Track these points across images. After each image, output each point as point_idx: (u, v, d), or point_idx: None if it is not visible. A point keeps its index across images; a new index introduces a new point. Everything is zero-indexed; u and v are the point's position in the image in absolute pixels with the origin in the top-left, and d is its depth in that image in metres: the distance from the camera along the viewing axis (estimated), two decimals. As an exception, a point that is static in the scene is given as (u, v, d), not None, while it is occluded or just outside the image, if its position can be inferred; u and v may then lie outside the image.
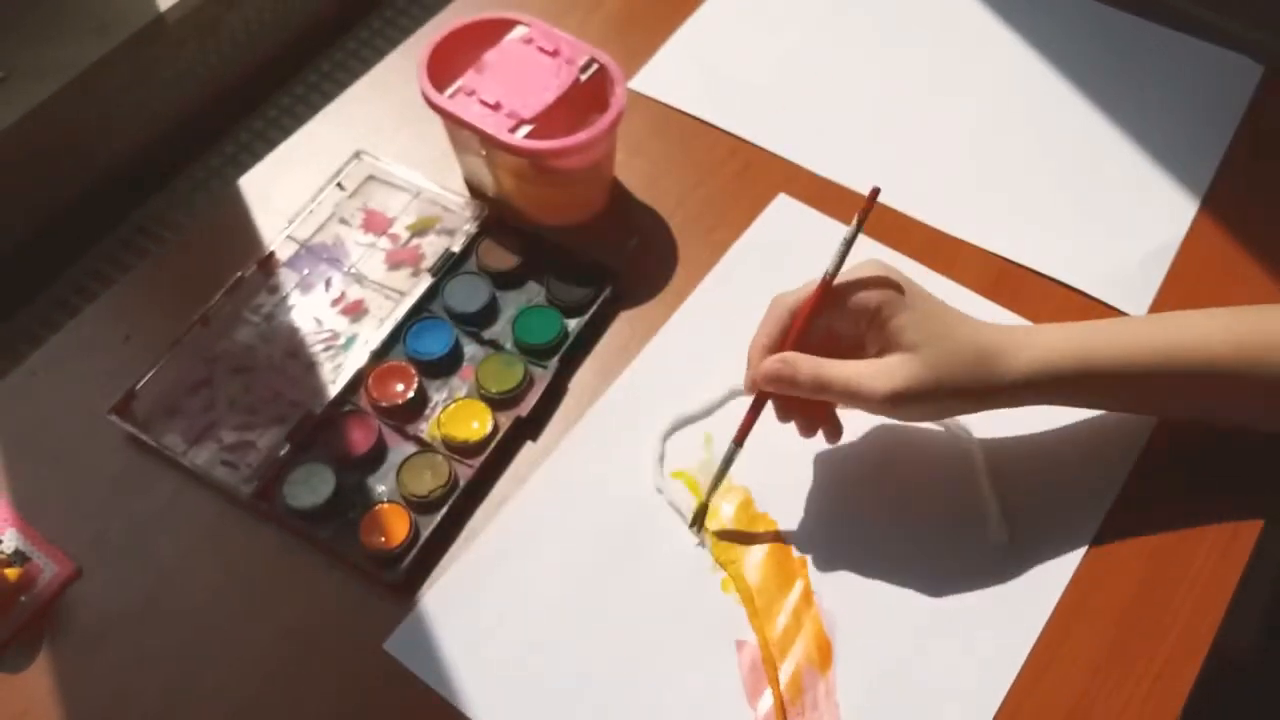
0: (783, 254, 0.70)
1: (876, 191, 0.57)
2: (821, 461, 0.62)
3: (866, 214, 0.57)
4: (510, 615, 0.58)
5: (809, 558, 0.59)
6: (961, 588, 0.58)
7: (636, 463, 0.62)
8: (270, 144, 0.79)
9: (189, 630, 0.58)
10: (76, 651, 0.58)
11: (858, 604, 0.57)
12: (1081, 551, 0.58)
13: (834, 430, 0.59)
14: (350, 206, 0.73)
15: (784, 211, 0.72)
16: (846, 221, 0.58)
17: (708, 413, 0.63)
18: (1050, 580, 0.58)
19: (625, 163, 0.74)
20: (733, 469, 0.59)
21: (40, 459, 0.63)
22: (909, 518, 0.60)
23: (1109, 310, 0.67)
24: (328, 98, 0.81)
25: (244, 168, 0.77)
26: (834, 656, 0.56)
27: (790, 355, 0.56)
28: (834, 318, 0.57)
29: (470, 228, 0.71)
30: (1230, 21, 0.81)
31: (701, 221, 0.72)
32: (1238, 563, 0.58)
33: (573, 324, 0.67)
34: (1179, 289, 0.68)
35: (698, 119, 0.77)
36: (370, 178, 0.74)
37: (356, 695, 0.56)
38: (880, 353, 0.56)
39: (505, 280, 0.69)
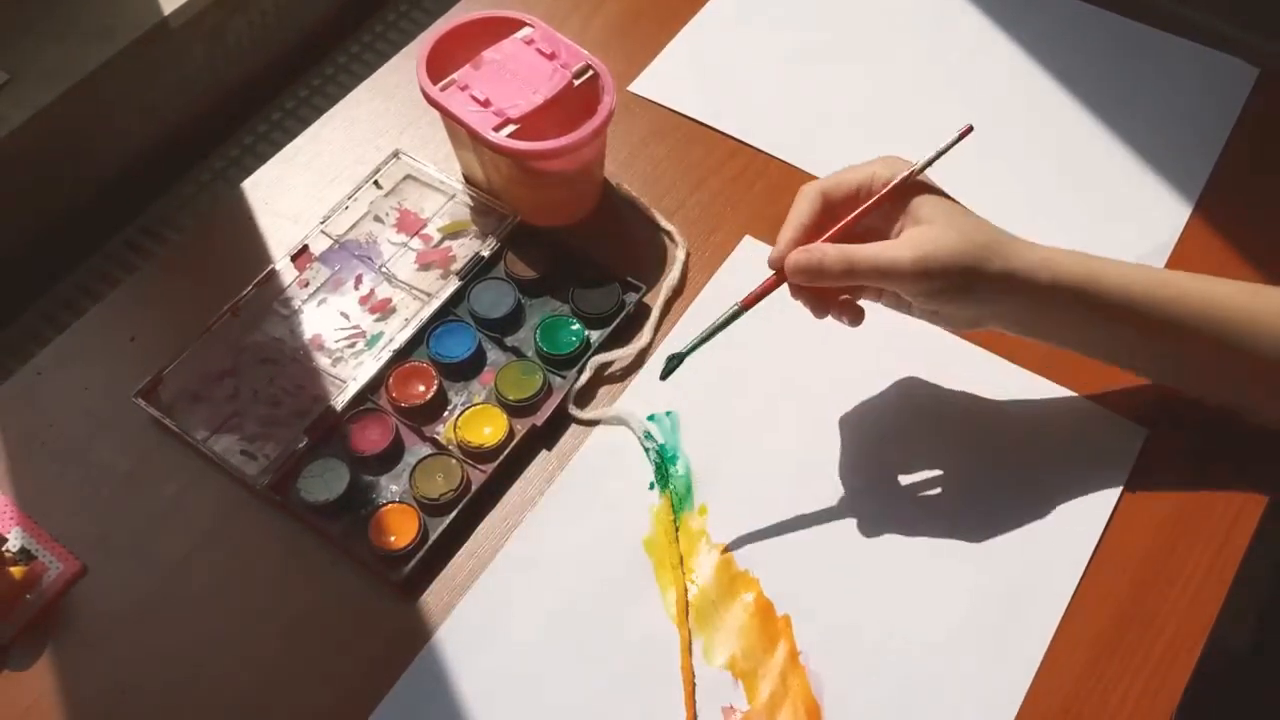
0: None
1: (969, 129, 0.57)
2: (802, 518, 0.61)
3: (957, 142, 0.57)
4: (492, 685, 0.56)
5: (792, 616, 0.57)
6: (950, 642, 0.56)
7: (617, 518, 0.61)
8: (274, 146, 0.80)
9: (193, 625, 0.59)
10: (81, 648, 0.58)
11: (845, 664, 0.56)
12: (1068, 597, 0.58)
13: (853, 313, 0.59)
14: (385, 205, 0.73)
15: (750, 254, 0.71)
16: None
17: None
18: (1040, 620, 0.57)
19: (626, 165, 0.75)
20: (712, 529, 0.60)
21: (46, 458, 0.64)
22: (893, 573, 0.59)
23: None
24: (331, 100, 0.81)
25: (248, 170, 0.77)
26: None
27: (814, 245, 0.56)
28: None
29: (501, 233, 0.70)
30: (1225, 25, 0.82)
31: (701, 224, 0.72)
32: (1233, 558, 0.59)
33: (595, 336, 0.67)
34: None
35: (697, 122, 0.77)
36: (408, 177, 0.74)
37: (358, 691, 0.56)
38: (899, 233, 0.56)
39: (531, 288, 0.69)
